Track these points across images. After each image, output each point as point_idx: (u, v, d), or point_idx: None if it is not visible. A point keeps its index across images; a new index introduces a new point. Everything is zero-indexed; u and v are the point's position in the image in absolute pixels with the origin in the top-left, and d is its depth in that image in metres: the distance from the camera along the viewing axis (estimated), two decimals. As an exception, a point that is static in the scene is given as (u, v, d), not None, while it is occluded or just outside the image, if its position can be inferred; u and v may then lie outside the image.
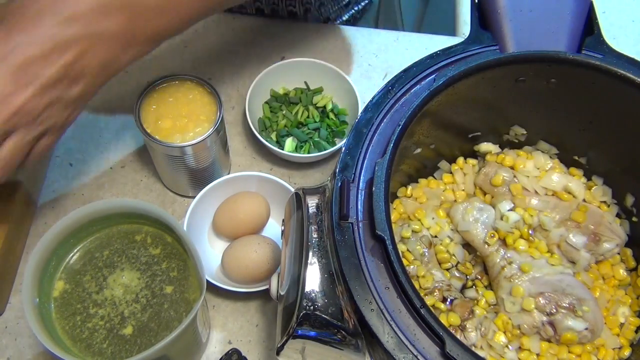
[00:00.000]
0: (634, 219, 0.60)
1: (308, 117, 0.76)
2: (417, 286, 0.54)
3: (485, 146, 0.63)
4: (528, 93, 0.57)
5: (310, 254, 0.48)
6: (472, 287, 0.58)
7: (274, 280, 0.53)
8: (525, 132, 0.62)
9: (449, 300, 0.54)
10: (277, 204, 0.70)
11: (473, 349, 0.52)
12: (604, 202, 0.61)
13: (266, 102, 0.78)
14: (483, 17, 0.57)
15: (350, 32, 0.85)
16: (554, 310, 0.52)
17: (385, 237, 0.46)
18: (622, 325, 0.56)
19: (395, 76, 0.54)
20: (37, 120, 0.52)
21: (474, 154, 0.64)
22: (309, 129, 0.76)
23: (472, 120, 0.60)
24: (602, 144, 0.59)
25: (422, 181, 0.63)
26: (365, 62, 0.83)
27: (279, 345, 0.47)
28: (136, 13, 0.53)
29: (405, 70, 0.54)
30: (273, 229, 0.71)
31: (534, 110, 0.59)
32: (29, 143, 0.54)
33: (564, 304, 0.52)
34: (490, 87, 0.55)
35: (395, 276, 0.45)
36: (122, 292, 0.56)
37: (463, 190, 0.63)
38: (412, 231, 0.58)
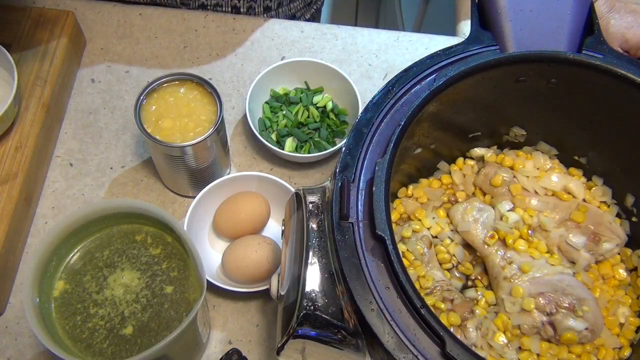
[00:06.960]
0: (634, 219, 0.60)
1: (308, 117, 0.76)
2: (417, 286, 0.54)
3: (478, 151, 0.63)
4: (528, 93, 0.57)
5: (311, 254, 0.48)
6: (472, 287, 0.58)
7: (274, 280, 0.53)
8: (525, 133, 0.62)
9: (449, 300, 0.54)
10: (277, 204, 0.70)
11: (473, 348, 0.52)
12: (604, 202, 0.61)
13: (266, 102, 0.78)
14: (483, 17, 0.57)
15: (351, 32, 0.85)
16: (554, 310, 0.52)
17: (386, 237, 0.46)
18: (622, 325, 0.56)
19: (396, 76, 0.54)
20: None
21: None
22: (309, 129, 0.76)
23: (472, 121, 0.60)
24: (602, 144, 0.59)
25: (424, 181, 0.63)
26: (366, 62, 0.83)
27: (279, 345, 0.47)
28: None
29: (405, 70, 0.54)
30: (273, 229, 0.71)
31: (534, 110, 0.59)
32: None
33: (564, 304, 0.52)
34: (490, 87, 0.55)
35: (395, 276, 0.45)
36: (123, 292, 0.56)
37: (462, 190, 0.63)
38: (413, 231, 0.58)
